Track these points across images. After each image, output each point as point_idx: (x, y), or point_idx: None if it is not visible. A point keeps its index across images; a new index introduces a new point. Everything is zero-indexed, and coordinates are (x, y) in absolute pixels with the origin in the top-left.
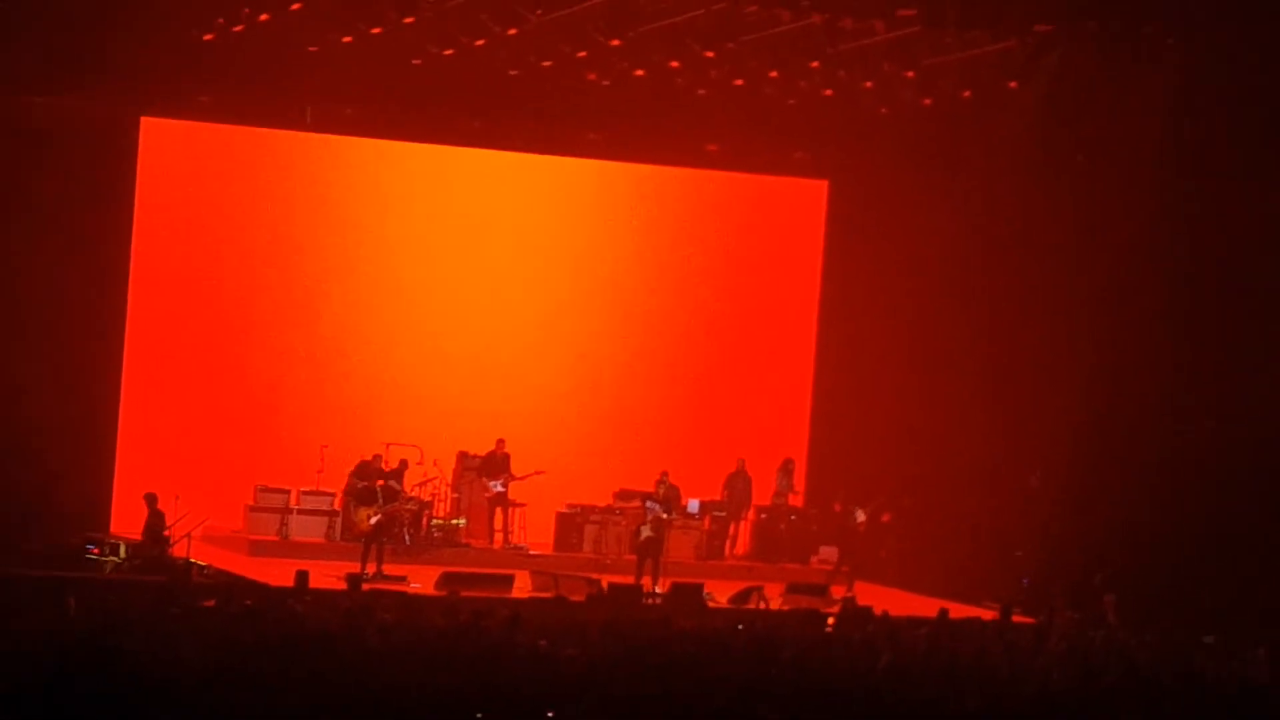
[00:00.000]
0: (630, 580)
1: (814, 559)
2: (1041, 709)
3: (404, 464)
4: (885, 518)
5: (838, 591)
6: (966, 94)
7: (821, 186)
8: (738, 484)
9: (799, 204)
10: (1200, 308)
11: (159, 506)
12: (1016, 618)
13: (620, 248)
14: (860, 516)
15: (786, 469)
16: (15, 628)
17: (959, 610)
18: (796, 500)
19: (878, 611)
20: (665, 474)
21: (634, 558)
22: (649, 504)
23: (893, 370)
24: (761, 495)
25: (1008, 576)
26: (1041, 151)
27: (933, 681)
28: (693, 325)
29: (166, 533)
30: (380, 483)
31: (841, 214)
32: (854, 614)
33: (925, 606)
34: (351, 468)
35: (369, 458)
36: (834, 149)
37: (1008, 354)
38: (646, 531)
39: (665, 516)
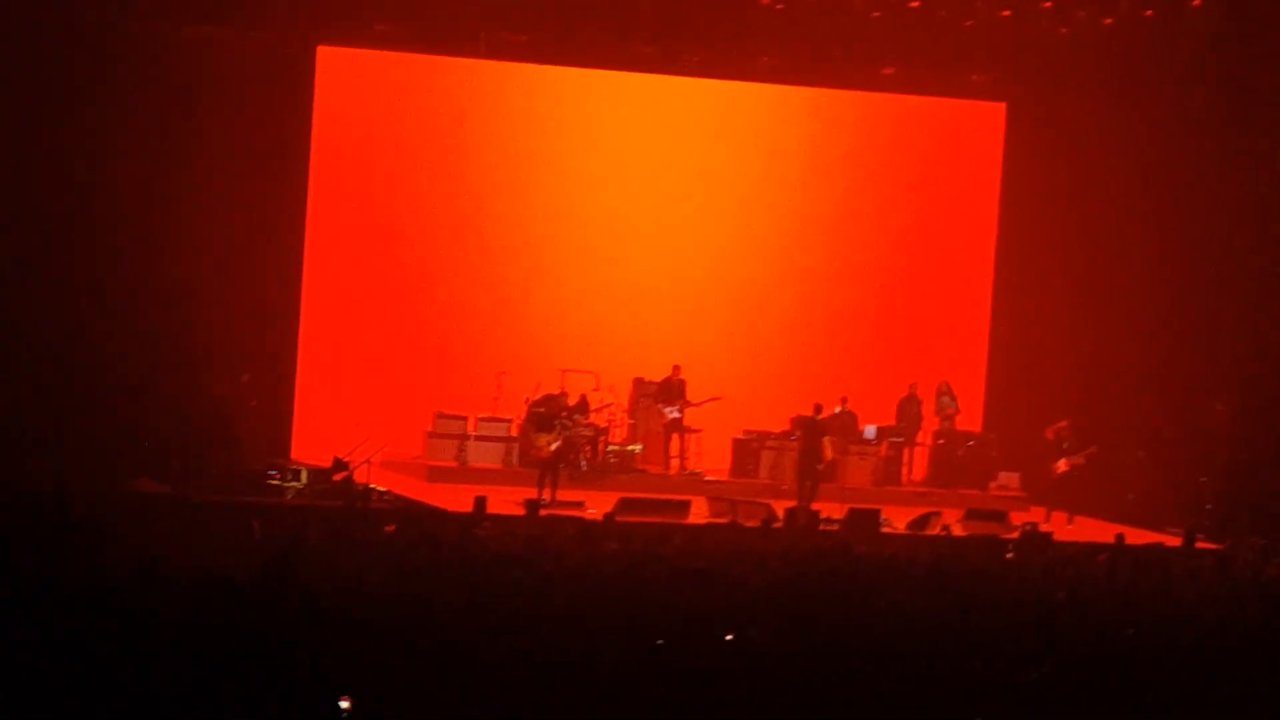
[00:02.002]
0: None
1: (992, 484)
2: (1225, 637)
3: (584, 399)
4: (1082, 459)
5: (1018, 518)
6: (1148, 13)
7: (999, 109)
8: (910, 409)
9: (976, 127)
10: None
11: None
12: (1200, 544)
13: (796, 173)
14: (1063, 466)
15: (945, 391)
16: (203, 552)
17: (1141, 536)
18: (961, 421)
19: (1058, 538)
20: (845, 400)
21: (808, 484)
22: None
23: (1073, 294)
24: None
25: (1191, 502)
26: (1224, 72)
27: (1113, 608)
28: (868, 250)
29: (347, 458)
30: (564, 413)
31: (1019, 137)
32: (1034, 540)
33: (1107, 532)
34: (532, 396)
35: (555, 390)
36: (1012, 71)
37: (1191, 278)
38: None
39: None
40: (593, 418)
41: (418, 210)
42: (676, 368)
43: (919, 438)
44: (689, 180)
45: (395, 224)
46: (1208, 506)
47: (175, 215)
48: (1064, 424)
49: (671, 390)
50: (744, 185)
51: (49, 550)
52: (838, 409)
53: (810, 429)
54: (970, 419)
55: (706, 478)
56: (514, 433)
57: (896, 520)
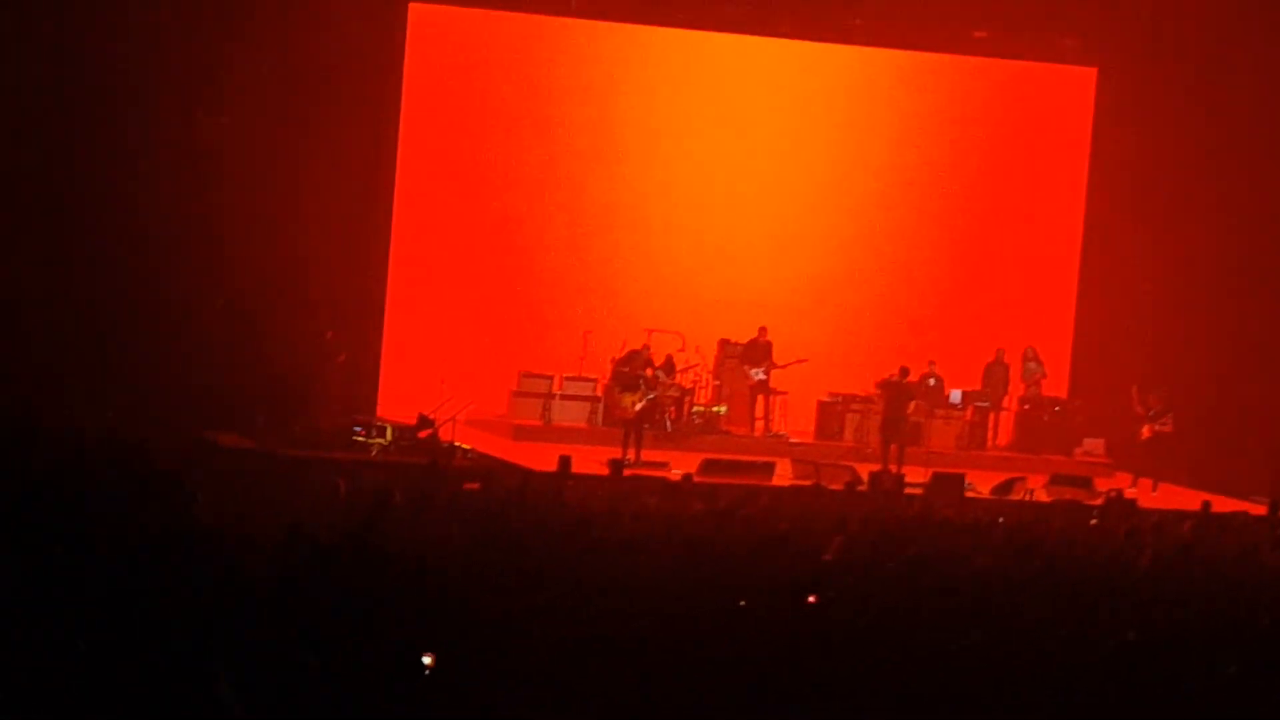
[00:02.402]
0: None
1: (1078, 450)
2: None
3: (670, 359)
4: (1168, 428)
5: (1102, 484)
6: None
7: (1090, 74)
8: (996, 373)
9: (1067, 92)
10: None
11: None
12: None
13: (884, 136)
14: (1146, 432)
15: (1032, 356)
16: (292, 508)
17: (1226, 504)
18: (1047, 386)
19: (1142, 504)
20: (932, 363)
21: (894, 448)
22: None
23: (1161, 260)
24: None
25: (1277, 471)
26: None
27: (1197, 577)
28: (957, 213)
29: (432, 415)
30: (649, 371)
31: (1110, 103)
32: (1118, 507)
33: (1191, 499)
34: (618, 355)
35: (638, 347)
36: (1104, 35)
37: None
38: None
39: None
40: (678, 378)
41: (506, 168)
42: (763, 329)
43: (1005, 403)
44: (777, 142)
45: (483, 181)
46: None
47: (264, 169)
48: (1134, 388)
49: (758, 352)
50: (832, 148)
51: (132, 502)
52: (930, 379)
53: (896, 392)
54: (1056, 385)
55: (791, 440)
56: (599, 392)
57: (981, 485)
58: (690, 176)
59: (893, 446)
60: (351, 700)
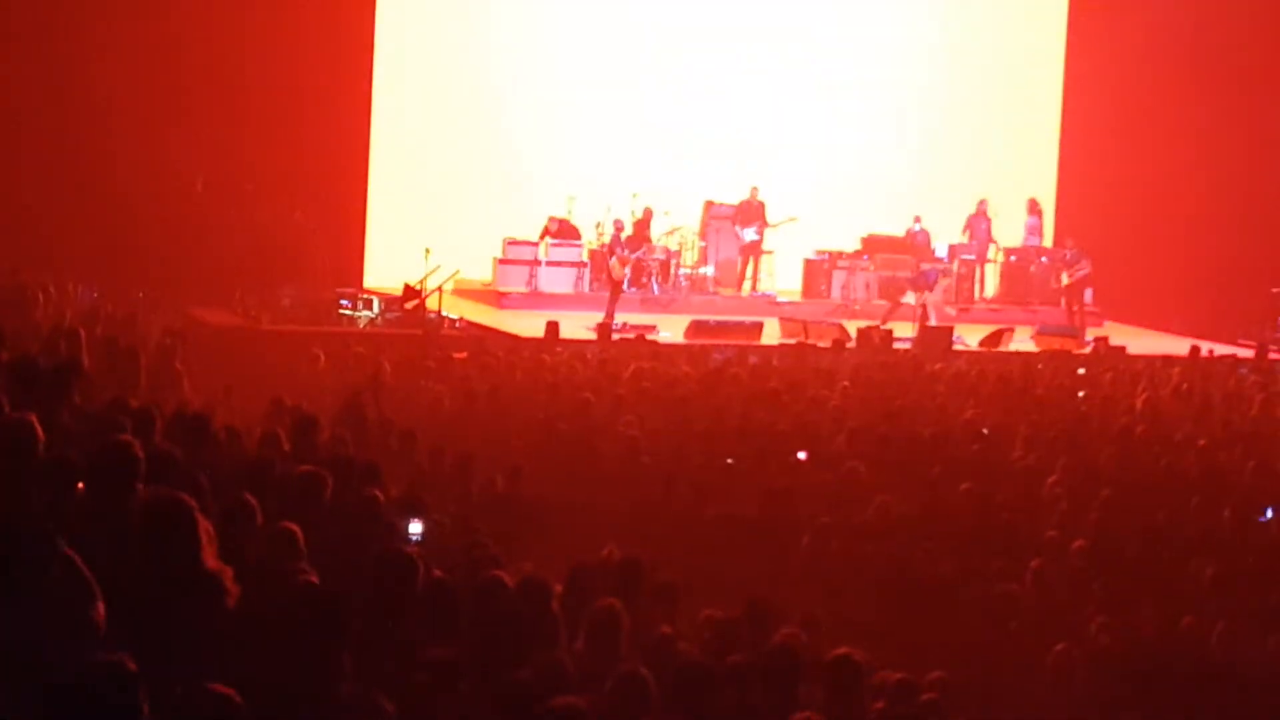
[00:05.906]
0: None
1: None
2: None
3: (648, 212)
4: (1086, 269)
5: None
6: None
7: None
8: (979, 225)
9: None
10: None
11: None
12: (1273, 354)
13: None
14: (1065, 279)
15: (1033, 209)
16: (273, 381)
17: (1214, 349)
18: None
19: (1130, 351)
20: (918, 218)
21: (884, 302)
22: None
23: (1143, 110)
24: (1006, 237)
25: (1263, 315)
26: None
27: (1186, 419)
28: (937, 66)
29: (418, 286)
30: (626, 240)
31: None
32: (1106, 354)
33: (1179, 346)
34: (602, 222)
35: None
36: None
37: (1265, 102)
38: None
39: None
40: (664, 241)
41: (484, 33)
42: (754, 189)
43: (989, 254)
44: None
45: (462, 47)
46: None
47: (244, 45)
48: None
49: (750, 212)
50: (817, 6)
51: (123, 378)
52: (913, 227)
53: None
54: (1041, 235)
55: (778, 299)
56: (585, 258)
57: (969, 337)
58: (672, 39)
59: (895, 302)
60: (335, 568)
